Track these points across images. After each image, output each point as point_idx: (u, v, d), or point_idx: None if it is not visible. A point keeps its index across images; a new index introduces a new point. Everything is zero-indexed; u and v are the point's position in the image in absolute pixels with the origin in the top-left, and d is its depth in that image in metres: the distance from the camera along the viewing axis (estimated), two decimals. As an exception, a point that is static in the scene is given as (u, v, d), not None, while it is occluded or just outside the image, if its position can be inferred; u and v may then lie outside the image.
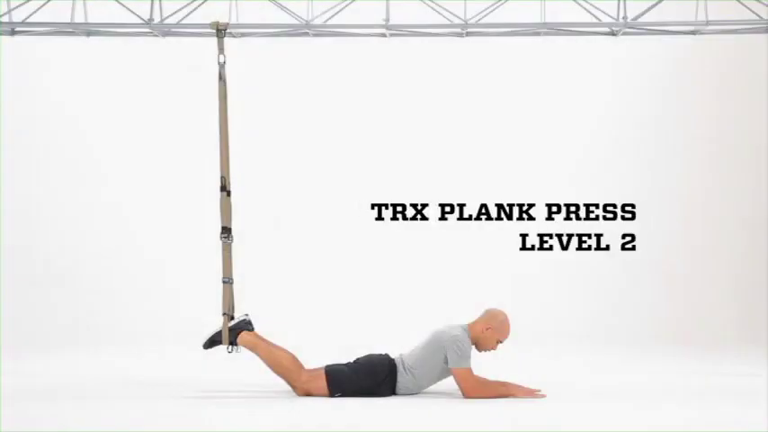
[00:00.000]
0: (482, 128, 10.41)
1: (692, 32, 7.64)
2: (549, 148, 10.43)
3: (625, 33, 7.60)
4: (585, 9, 7.48)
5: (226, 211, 6.64)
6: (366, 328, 9.32)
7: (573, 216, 10.35)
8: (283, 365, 6.31)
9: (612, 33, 7.60)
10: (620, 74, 10.46)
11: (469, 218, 10.34)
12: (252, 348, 6.43)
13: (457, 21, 7.45)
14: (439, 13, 7.46)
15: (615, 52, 10.18)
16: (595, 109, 10.46)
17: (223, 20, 6.94)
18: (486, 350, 6.31)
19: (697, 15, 7.52)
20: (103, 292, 10.08)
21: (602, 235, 10.32)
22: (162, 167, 10.31)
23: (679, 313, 10.12)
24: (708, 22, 7.46)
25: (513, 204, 10.33)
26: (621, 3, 7.41)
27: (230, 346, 6.50)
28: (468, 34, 7.60)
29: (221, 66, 6.71)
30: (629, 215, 10.35)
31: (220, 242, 6.63)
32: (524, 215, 10.35)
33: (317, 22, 7.45)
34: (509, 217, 10.34)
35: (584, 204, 10.35)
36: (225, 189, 6.64)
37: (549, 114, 10.45)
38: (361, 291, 10.09)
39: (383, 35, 7.59)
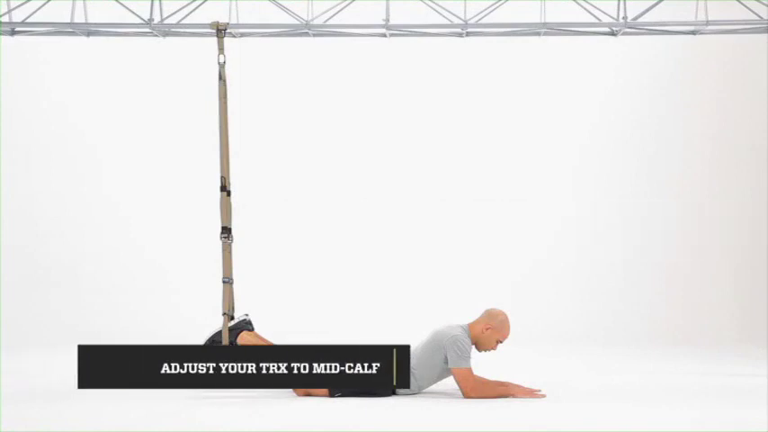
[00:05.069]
0: (482, 127, 10.41)
1: (692, 32, 7.64)
2: (549, 147, 10.43)
3: (625, 33, 7.60)
4: (585, 9, 7.48)
5: (226, 211, 6.63)
6: (366, 328, 9.33)
7: (572, 215, 10.36)
8: (283, 365, 6.31)
9: (612, 33, 7.60)
10: (620, 74, 10.46)
11: (469, 218, 10.34)
12: (252, 348, 6.43)
13: (457, 21, 7.46)
14: (439, 13, 7.46)
15: (615, 52, 10.19)
16: (595, 109, 10.46)
17: (223, 20, 6.94)
18: (486, 350, 6.31)
19: (697, 15, 7.52)
20: (103, 292, 10.08)
21: (600, 234, 10.33)
22: (162, 167, 10.31)
23: (679, 313, 10.12)
24: (708, 22, 7.47)
25: (513, 204, 10.34)
26: (621, 3, 7.41)
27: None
28: (468, 34, 7.60)
29: (221, 66, 6.70)
30: (629, 215, 10.36)
31: (220, 242, 6.62)
32: (523, 214, 10.35)
33: (317, 22, 7.45)
34: (508, 216, 10.34)
35: (584, 204, 10.35)
36: (225, 189, 6.63)
37: (548, 114, 10.45)
38: (362, 291, 10.10)
39: (383, 35, 7.60)
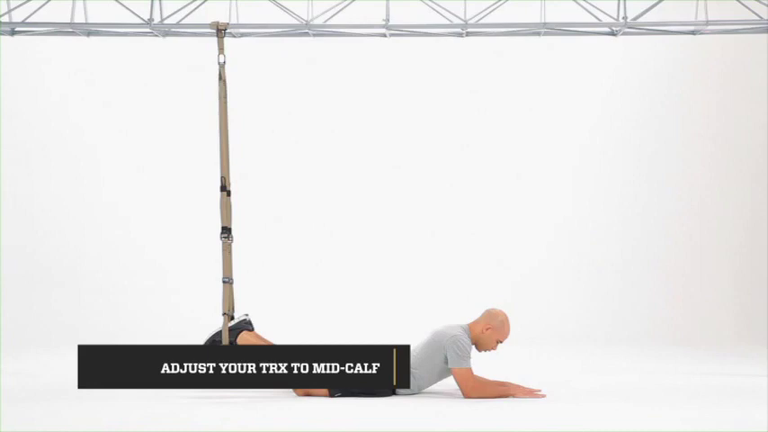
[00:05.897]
0: (482, 128, 10.41)
1: (692, 32, 7.64)
2: (549, 147, 10.43)
3: (625, 33, 7.60)
4: (585, 9, 7.48)
5: (226, 211, 6.63)
6: (366, 328, 9.33)
7: (572, 215, 10.35)
8: (283, 365, 6.31)
9: (612, 33, 7.60)
10: (620, 74, 10.46)
11: (469, 217, 10.34)
12: (252, 348, 6.43)
13: (457, 21, 7.46)
14: (439, 13, 7.46)
15: (615, 52, 10.18)
16: (595, 109, 10.46)
17: (223, 20, 6.94)
18: (486, 350, 6.31)
19: (697, 15, 7.52)
20: (104, 292, 10.08)
21: (601, 234, 10.33)
22: (162, 167, 10.31)
23: (679, 313, 10.12)
24: (708, 22, 7.47)
25: (513, 204, 10.34)
26: (621, 3, 7.41)
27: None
28: (468, 34, 7.60)
29: (221, 66, 6.70)
30: (629, 215, 10.36)
31: (220, 242, 6.62)
32: (524, 214, 10.35)
33: (317, 22, 7.45)
34: (509, 216, 10.34)
35: (584, 204, 10.36)
36: (225, 189, 6.63)
37: (548, 114, 10.45)
38: (362, 291, 10.10)
39: (383, 35, 7.60)
